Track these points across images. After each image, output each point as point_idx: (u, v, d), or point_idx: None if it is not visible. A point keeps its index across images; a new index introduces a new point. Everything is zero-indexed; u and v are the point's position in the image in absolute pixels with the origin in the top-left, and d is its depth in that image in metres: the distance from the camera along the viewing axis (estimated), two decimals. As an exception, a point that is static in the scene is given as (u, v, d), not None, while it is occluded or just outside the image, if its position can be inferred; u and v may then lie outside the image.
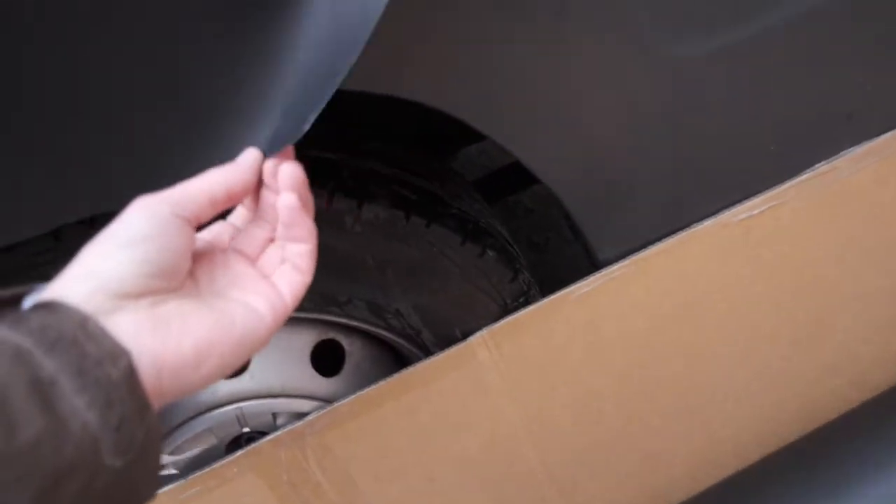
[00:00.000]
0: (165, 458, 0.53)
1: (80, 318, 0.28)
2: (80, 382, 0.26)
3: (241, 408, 0.56)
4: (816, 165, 0.68)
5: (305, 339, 0.59)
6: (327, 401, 0.59)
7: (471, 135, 0.51)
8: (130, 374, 0.28)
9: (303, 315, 0.54)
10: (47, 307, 0.28)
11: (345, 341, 0.62)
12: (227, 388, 0.56)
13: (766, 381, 0.69)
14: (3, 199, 0.39)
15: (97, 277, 0.29)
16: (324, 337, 0.61)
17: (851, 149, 0.68)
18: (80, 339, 0.27)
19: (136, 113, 0.39)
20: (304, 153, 0.56)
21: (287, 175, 0.35)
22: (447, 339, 0.60)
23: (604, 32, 0.48)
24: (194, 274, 0.33)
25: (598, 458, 0.64)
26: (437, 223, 0.55)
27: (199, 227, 0.34)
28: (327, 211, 0.50)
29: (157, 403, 0.29)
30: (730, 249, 0.66)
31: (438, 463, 0.59)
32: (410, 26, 0.43)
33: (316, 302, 0.53)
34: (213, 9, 0.37)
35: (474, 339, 0.59)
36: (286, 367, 0.57)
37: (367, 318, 0.55)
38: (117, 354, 0.28)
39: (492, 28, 0.45)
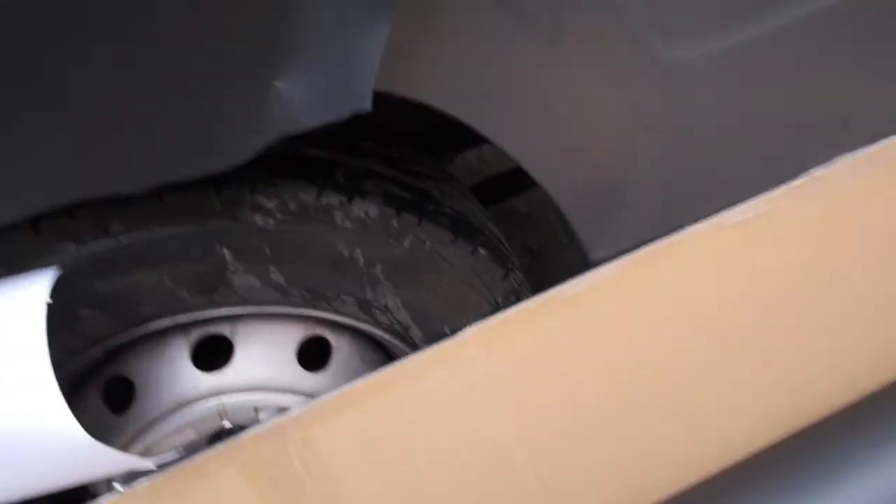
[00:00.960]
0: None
1: None
2: None
3: (222, 402, 0.55)
4: (812, 171, 0.67)
5: (292, 335, 0.58)
6: (312, 397, 0.58)
7: (467, 140, 0.51)
8: None
9: (290, 311, 0.53)
10: None
11: (332, 337, 0.61)
12: (209, 381, 0.55)
13: (756, 385, 0.69)
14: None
15: None
16: (311, 333, 0.60)
17: (847, 155, 0.67)
18: None
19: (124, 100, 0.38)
20: (295, 150, 0.55)
21: None
22: (436, 337, 0.59)
23: (600, 34, 0.47)
24: None
25: (586, 458, 0.63)
26: (429, 221, 0.54)
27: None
28: (316, 206, 0.49)
29: None
30: (723, 253, 0.66)
31: (424, 460, 0.59)
32: (412, 25, 0.42)
33: (304, 297, 0.52)
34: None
35: (464, 335, 0.58)
36: (271, 362, 0.56)
37: (356, 315, 0.55)
38: None
39: (491, 27, 0.44)
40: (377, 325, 0.57)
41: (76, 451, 0.39)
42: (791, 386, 0.70)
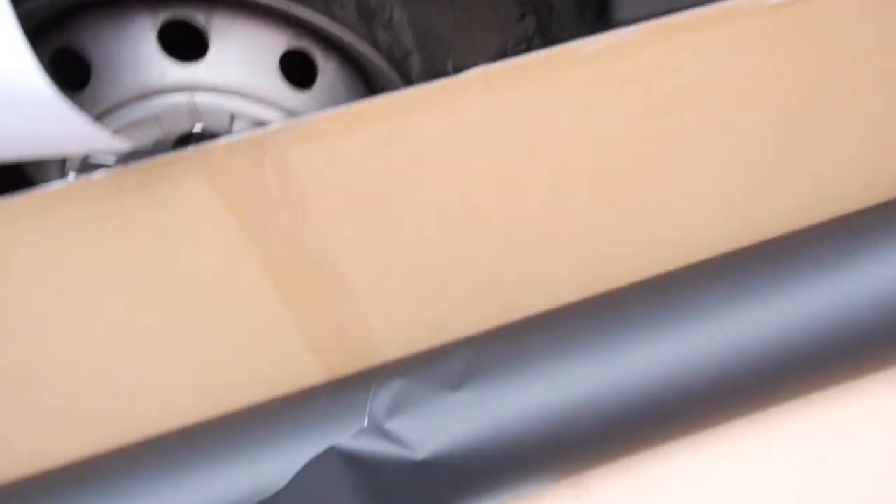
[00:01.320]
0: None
1: None
2: None
3: (194, 99, 0.49)
4: (867, -36, 0.61)
5: (275, 41, 0.50)
6: (292, 115, 0.53)
7: None
8: None
9: (278, 5, 0.45)
10: None
11: (319, 56, 0.54)
12: (178, 72, 0.48)
13: (736, 186, 0.68)
14: None
15: None
16: (297, 45, 0.52)
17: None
18: None
19: None
20: None
21: None
22: (435, 73, 0.54)
23: None
24: None
25: (558, 232, 0.63)
26: (454, -78, 0.45)
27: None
28: None
29: None
30: (752, 35, 0.61)
31: (402, 203, 0.56)
32: None
33: (296, -11, 0.44)
34: None
35: (467, 75, 0.53)
36: (250, 66, 0.49)
37: (354, 26, 0.47)
38: None
39: None
40: (374, 46, 0.50)
41: (41, 113, 0.33)
42: (768, 196, 0.70)
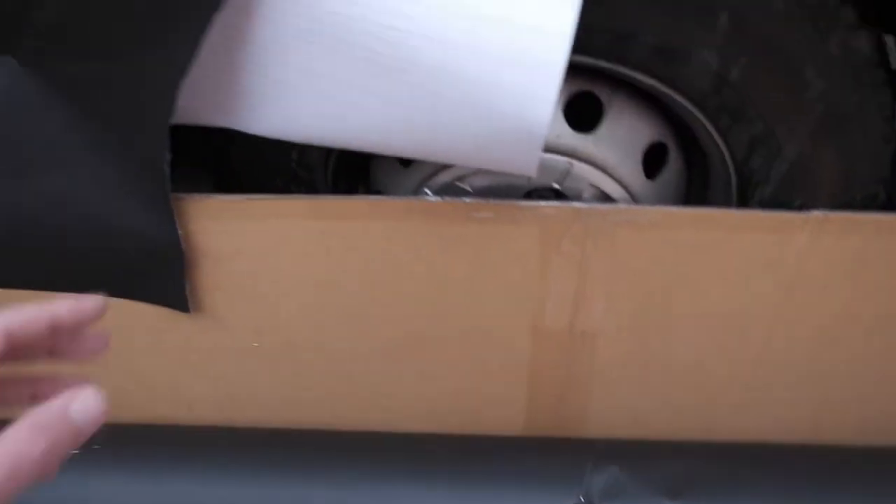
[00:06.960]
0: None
1: None
2: None
3: (571, 163, 0.51)
4: None
5: (646, 132, 0.51)
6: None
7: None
8: None
9: (665, 98, 0.44)
10: None
11: (672, 151, 0.54)
12: (570, 138, 0.50)
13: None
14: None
15: None
16: (657, 139, 0.53)
17: None
18: None
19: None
20: None
21: None
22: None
23: None
24: None
25: (795, 372, 0.59)
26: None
27: None
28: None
29: None
30: None
31: (677, 306, 0.56)
32: None
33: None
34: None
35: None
36: (625, 147, 0.51)
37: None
38: None
39: None
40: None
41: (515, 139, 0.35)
42: None
